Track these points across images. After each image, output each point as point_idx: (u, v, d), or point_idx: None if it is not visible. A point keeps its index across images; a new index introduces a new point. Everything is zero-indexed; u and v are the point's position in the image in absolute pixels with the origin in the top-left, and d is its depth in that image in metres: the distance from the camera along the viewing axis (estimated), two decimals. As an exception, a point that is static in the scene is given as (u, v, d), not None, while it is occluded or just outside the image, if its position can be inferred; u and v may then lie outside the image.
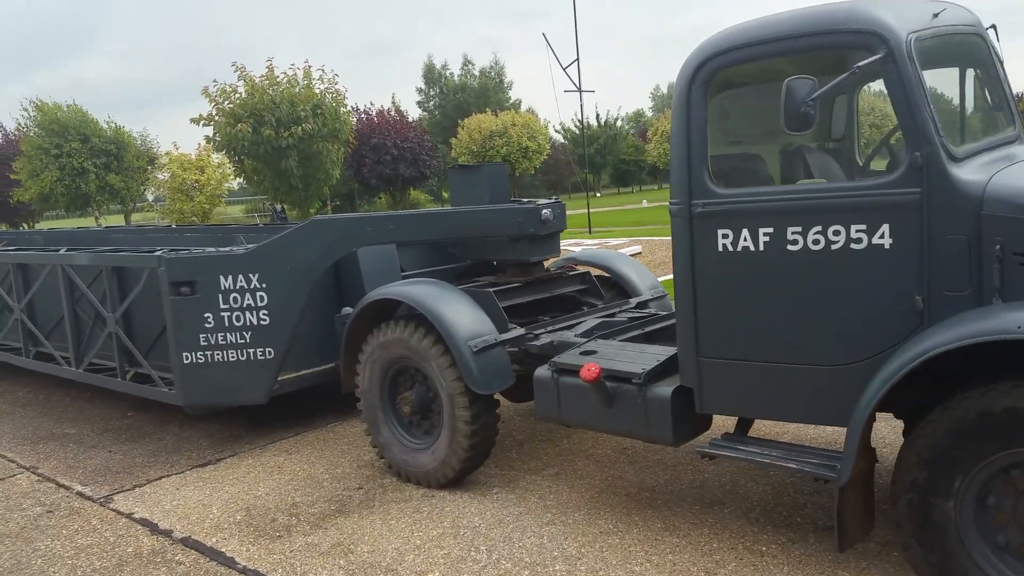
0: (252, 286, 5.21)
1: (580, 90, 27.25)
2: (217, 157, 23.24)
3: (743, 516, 3.99)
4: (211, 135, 22.65)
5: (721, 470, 4.60)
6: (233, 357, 5.27)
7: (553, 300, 5.49)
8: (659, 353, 3.94)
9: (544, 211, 5.07)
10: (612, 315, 5.16)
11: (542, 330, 4.80)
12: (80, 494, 5.05)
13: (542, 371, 4.15)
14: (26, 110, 29.90)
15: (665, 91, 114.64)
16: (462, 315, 4.51)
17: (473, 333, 4.43)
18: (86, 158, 28.94)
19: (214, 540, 4.22)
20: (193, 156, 21.81)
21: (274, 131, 22.14)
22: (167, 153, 21.76)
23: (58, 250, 7.26)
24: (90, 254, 6.33)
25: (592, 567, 3.59)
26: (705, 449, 3.52)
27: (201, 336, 5.24)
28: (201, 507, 4.69)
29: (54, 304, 6.88)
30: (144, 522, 4.53)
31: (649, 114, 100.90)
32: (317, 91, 23.30)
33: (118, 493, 5.02)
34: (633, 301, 5.48)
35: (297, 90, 22.82)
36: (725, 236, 3.32)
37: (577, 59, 26.96)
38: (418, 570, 3.72)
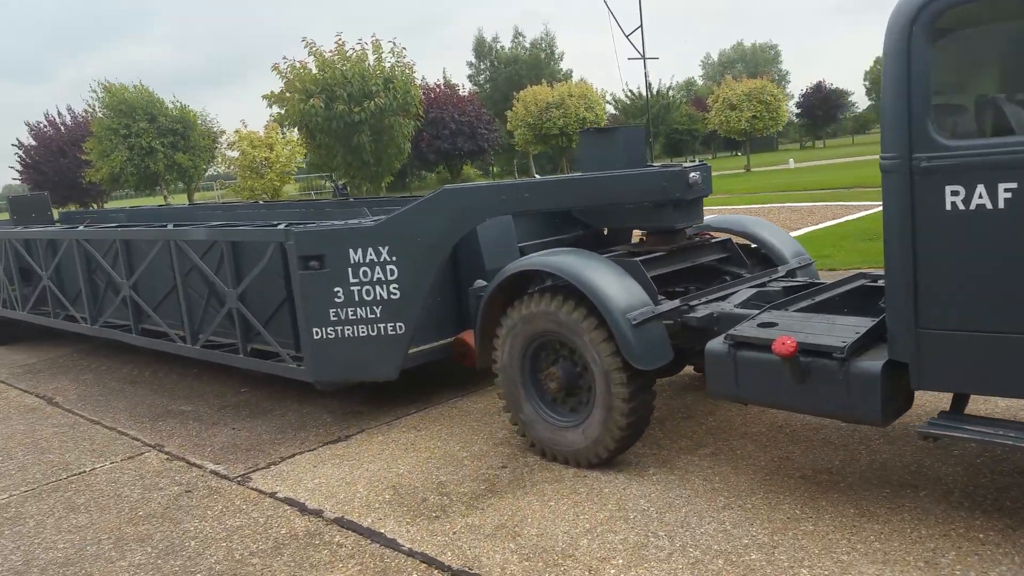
0: (382, 259, 5.01)
1: (644, 57, 26.68)
2: (285, 134, 23.22)
3: (943, 499, 3.68)
4: (281, 111, 22.66)
5: (898, 449, 4.28)
6: (363, 332, 5.10)
7: (692, 270, 5.20)
8: (855, 325, 3.62)
9: (691, 174, 4.76)
10: (763, 285, 4.85)
11: (696, 301, 4.52)
12: (215, 473, 4.95)
13: (716, 345, 3.87)
14: (95, 91, 30.45)
15: (716, 59, 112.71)
16: (616, 286, 4.25)
17: (630, 305, 4.17)
18: (154, 137, 29.32)
19: (369, 520, 4.06)
20: (261, 134, 21.81)
21: (347, 106, 22.05)
22: (236, 131, 21.87)
23: (165, 225, 7.20)
24: (207, 229, 6.22)
25: (793, 556, 3.33)
26: (927, 429, 3.21)
27: (331, 311, 5.08)
28: (345, 485, 4.54)
29: (161, 280, 6.81)
30: (290, 501, 4.39)
31: (700, 83, 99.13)
32: (387, 64, 23.11)
33: (253, 471, 4.90)
34: (781, 269, 5.16)
35: (367, 64, 22.63)
36: (955, 193, 2.98)
37: (641, 26, 26.39)
38: (598, 556, 3.50)
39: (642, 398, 4.24)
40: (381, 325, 5.09)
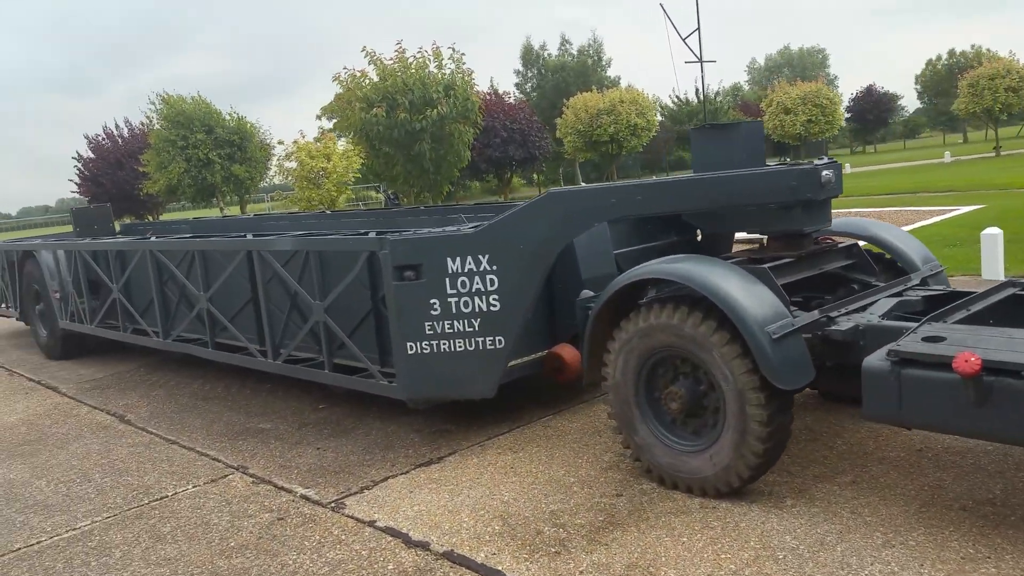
0: (482, 268, 4.68)
1: (701, 60, 26.08)
2: (342, 143, 23.09)
3: None
4: (331, 122, 22.67)
5: (1074, 480, 3.80)
6: (460, 347, 4.76)
7: (817, 278, 4.76)
8: (1042, 339, 3.17)
9: (824, 172, 4.33)
10: (900, 294, 4.40)
11: (836, 313, 4.09)
12: (305, 498, 4.65)
13: (876, 362, 3.43)
14: (152, 103, 30.90)
15: (762, 63, 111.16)
16: (750, 296, 3.84)
17: (767, 317, 3.75)
18: (211, 149, 29.63)
19: (483, 555, 3.70)
20: (317, 144, 21.76)
21: (408, 114, 21.93)
22: (294, 141, 21.85)
23: (243, 235, 6.99)
24: (292, 238, 5.98)
25: (989, 608, 2.89)
26: None
27: (427, 324, 4.76)
28: (448, 514, 4.19)
29: (237, 292, 6.58)
30: (392, 532, 4.06)
31: (746, 88, 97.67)
32: (447, 71, 22.94)
33: (347, 496, 4.59)
34: (915, 277, 4.70)
35: (427, 71, 22.44)
36: None
37: (698, 28, 25.80)
38: (755, 604, 3.10)
39: (780, 421, 3.82)
40: (479, 339, 4.75)
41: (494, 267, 4.64)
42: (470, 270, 4.67)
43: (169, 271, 7.29)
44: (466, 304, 4.70)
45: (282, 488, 4.84)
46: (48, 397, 7.99)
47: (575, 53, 64.66)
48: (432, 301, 4.72)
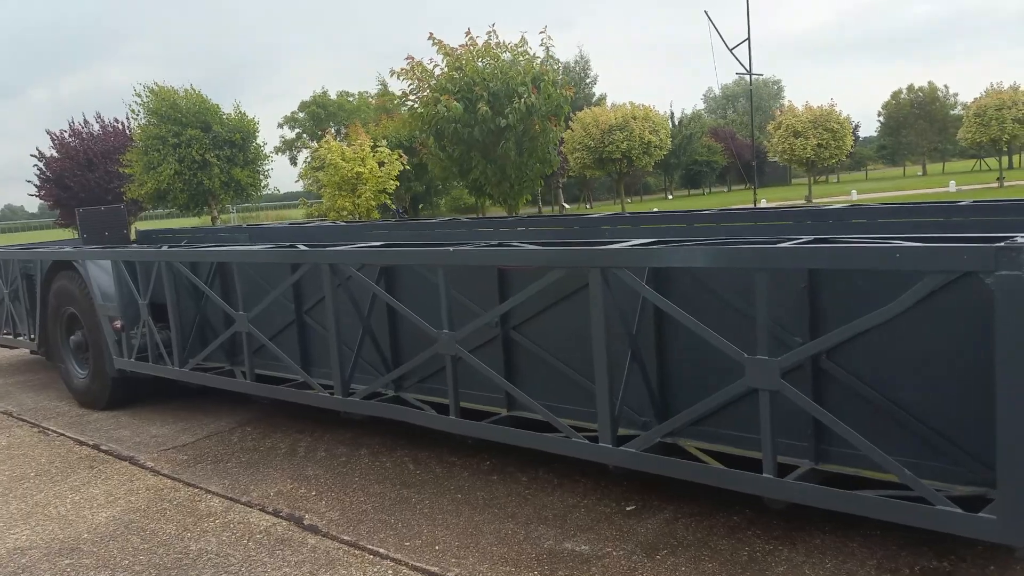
0: None
1: (751, 73, 24.36)
2: (377, 148, 20.05)
3: None
4: (411, 115, 19.65)
5: None
6: None
7: None
8: None
9: None
10: None
11: None
12: None
13: None
14: (139, 95, 27.38)
15: (718, 92, 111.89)
16: None
17: None
18: (208, 149, 26.35)
19: None
20: (351, 146, 18.88)
21: (490, 108, 19.07)
22: (325, 142, 18.90)
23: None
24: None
25: None
26: None
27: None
28: None
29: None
30: None
31: (705, 116, 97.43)
32: (538, 58, 20.12)
33: None
34: None
35: (509, 59, 19.58)
36: None
37: (748, 39, 24.08)
38: None
39: None
40: None
41: None
42: None
43: (357, 297, 4.82)
44: None
45: None
46: (133, 476, 5.38)
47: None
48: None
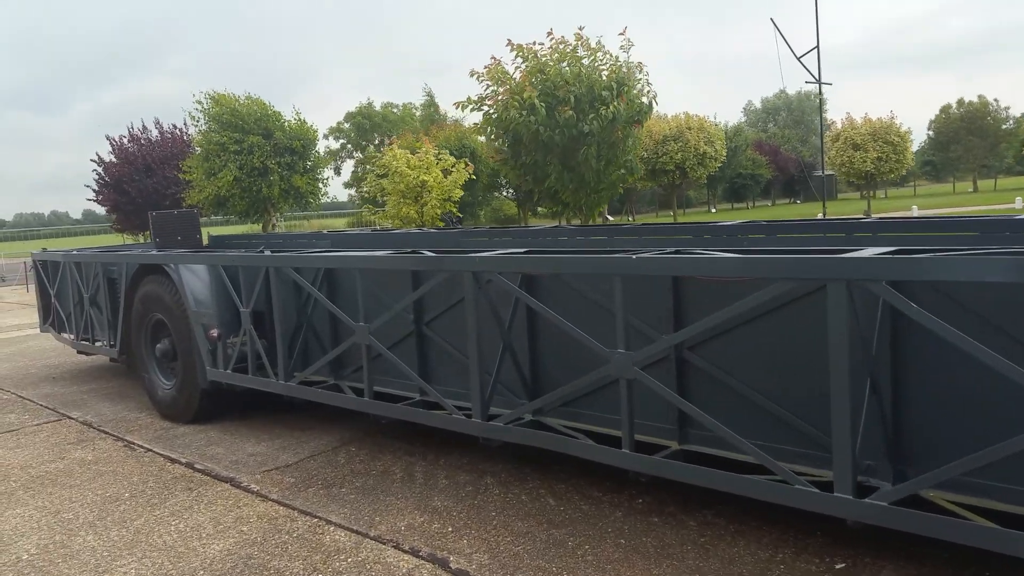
0: None
1: (820, 82, 23.55)
2: (440, 156, 19.48)
3: None
4: (484, 120, 19.13)
5: None
6: None
7: None
8: None
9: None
10: None
11: None
12: None
13: None
14: (200, 102, 27.27)
15: (759, 106, 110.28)
16: None
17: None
18: (269, 156, 26.10)
19: None
20: (415, 154, 18.41)
21: (575, 112, 18.25)
22: (389, 149, 18.45)
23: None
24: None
25: None
26: None
27: None
28: None
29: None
30: None
31: (746, 129, 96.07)
32: (621, 62, 19.51)
33: None
34: None
35: (592, 61, 19.11)
36: None
37: (817, 46, 23.23)
38: None
39: None
40: None
41: None
42: None
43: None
44: None
45: None
46: (239, 501, 4.90)
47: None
48: None
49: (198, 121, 27.22)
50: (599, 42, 19.23)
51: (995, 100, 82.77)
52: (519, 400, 4.44)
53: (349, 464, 5.43)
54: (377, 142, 77.67)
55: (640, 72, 18.76)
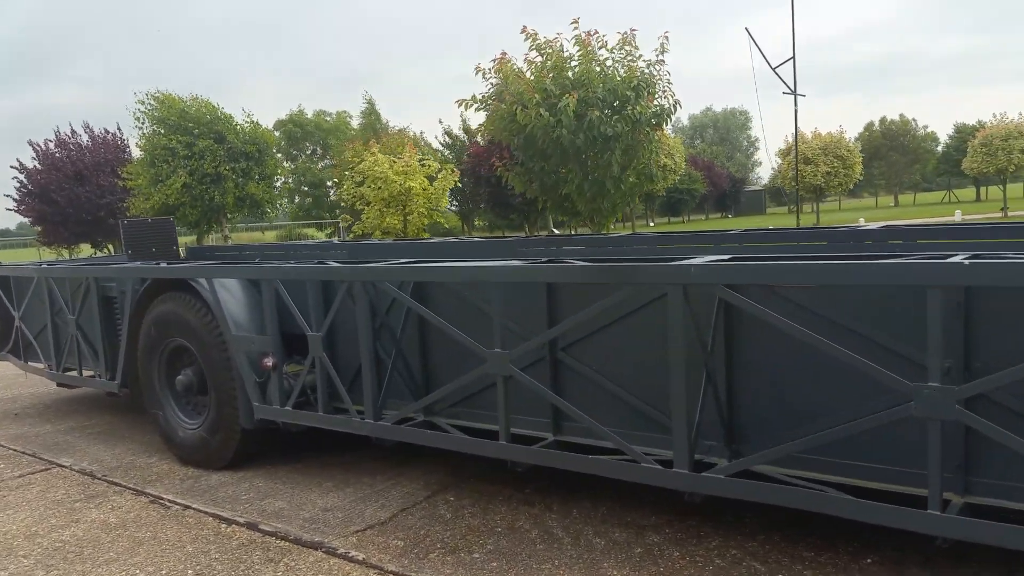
0: None
1: (796, 93, 23.42)
2: (427, 162, 18.15)
3: None
4: (488, 121, 17.83)
5: None
6: None
7: None
8: None
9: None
10: None
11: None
12: None
13: None
14: (141, 102, 25.29)
15: (687, 122, 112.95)
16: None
17: None
18: (222, 161, 24.26)
19: None
20: (399, 159, 17.11)
21: (601, 113, 16.87)
22: (371, 154, 17.11)
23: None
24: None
25: None
26: None
27: None
28: None
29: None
30: None
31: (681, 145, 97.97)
32: (644, 61, 17.97)
33: None
34: None
35: (614, 59, 17.65)
36: None
37: (793, 57, 23.10)
38: None
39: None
40: None
41: None
42: None
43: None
44: None
45: None
46: (347, 575, 3.88)
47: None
48: None
49: (142, 123, 25.21)
50: (625, 39, 18.15)
51: (913, 119, 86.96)
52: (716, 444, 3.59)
53: (459, 519, 4.46)
54: (309, 152, 75.51)
55: (659, 71, 17.91)
